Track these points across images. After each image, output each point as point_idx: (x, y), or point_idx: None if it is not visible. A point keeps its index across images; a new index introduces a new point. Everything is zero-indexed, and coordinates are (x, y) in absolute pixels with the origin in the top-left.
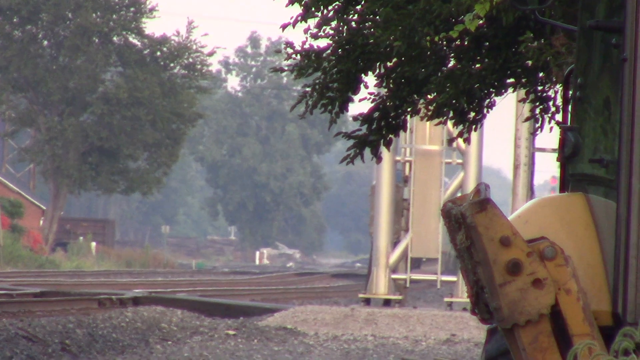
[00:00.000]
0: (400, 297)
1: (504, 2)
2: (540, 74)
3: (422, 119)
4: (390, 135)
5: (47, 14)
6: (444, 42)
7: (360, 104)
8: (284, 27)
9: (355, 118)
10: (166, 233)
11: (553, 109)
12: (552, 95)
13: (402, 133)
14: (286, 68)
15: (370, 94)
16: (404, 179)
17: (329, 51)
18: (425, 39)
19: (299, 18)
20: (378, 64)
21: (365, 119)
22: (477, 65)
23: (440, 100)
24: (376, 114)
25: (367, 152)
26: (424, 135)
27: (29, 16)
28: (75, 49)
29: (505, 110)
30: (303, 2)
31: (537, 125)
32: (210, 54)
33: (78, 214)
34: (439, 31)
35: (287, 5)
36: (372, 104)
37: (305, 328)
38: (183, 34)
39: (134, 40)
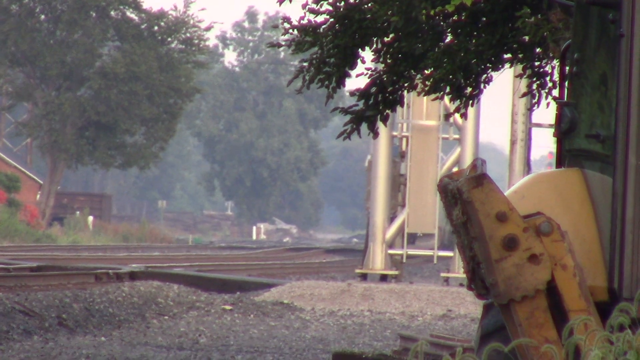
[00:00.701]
0: (396, 273)
1: None
2: (537, 50)
3: (419, 94)
4: (387, 111)
5: None
6: (441, 17)
7: (357, 79)
8: (281, 1)
9: (352, 93)
10: (163, 208)
11: (550, 84)
12: (549, 71)
13: (399, 108)
14: (283, 43)
15: (368, 69)
16: (401, 154)
17: (326, 26)
18: (421, 14)
19: None
20: (375, 39)
21: (362, 94)
22: (474, 41)
23: (437, 75)
24: (373, 89)
25: (364, 127)
26: (420, 110)
27: None
28: (73, 23)
29: (502, 86)
30: None
31: (534, 100)
32: (208, 29)
33: (75, 188)
34: (436, 6)
35: None
36: (369, 80)
37: (302, 303)
38: (180, 9)
39: (131, 14)
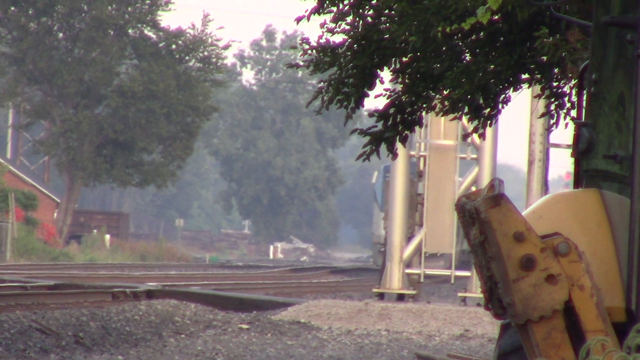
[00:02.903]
0: (414, 292)
1: None
2: (556, 70)
3: (437, 114)
4: (406, 132)
5: (62, 6)
6: (459, 37)
7: (375, 99)
8: (298, 20)
9: (371, 114)
10: (180, 226)
11: (568, 104)
12: (567, 91)
13: (417, 128)
14: (302, 63)
15: (386, 90)
16: (419, 173)
17: (344, 46)
18: (438, 31)
19: (314, 11)
20: (393, 59)
21: (381, 115)
22: (493, 61)
23: (455, 95)
24: (392, 110)
25: (383, 148)
26: (438, 130)
27: (45, 8)
28: (91, 41)
29: (520, 106)
30: None
31: (552, 121)
32: (226, 47)
33: (92, 206)
34: (452, 24)
35: None
36: (388, 100)
37: (319, 322)
38: (198, 27)
39: (149, 33)
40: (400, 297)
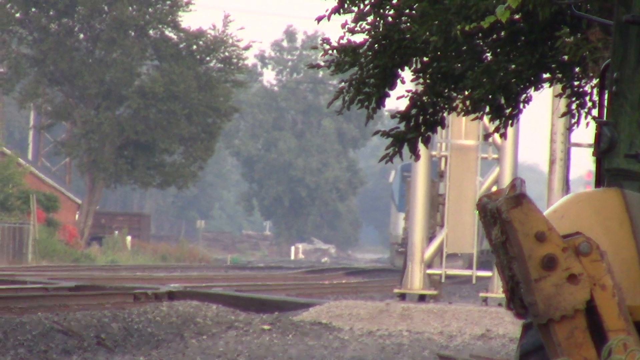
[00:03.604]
0: (435, 293)
1: None
2: (577, 69)
3: (458, 114)
4: (428, 132)
5: (83, 7)
6: (480, 36)
7: (397, 100)
8: (319, 19)
9: (393, 116)
10: (201, 227)
11: (589, 104)
12: (589, 91)
13: (438, 128)
14: (323, 64)
15: (408, 91)
16: (440, 174)
17: (365, 46)
18: (457, 30)
19: (334, 10)
20: (414, 59)
21: (403, 116)
22: (514, 61)
23: (476, 95)
24: (414, 111)
25: (406, 149)
26: (459, 130)
27: (65, 9)
28: (112, 42)
29: (542, 106)
30: None
31: (573, 120)
32: (246, 48)
33: (113, 208)
34: (471, 22)
35: None
36: (410, 101)
37: (340, 323)
38: (219, 28)
39: (170, 33)
40: (422, 298)
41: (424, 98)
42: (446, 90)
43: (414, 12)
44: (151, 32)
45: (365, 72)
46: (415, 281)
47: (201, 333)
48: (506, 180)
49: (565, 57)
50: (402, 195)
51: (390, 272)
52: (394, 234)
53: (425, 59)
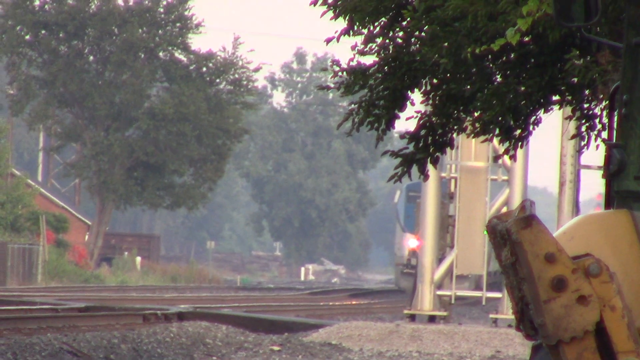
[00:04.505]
0: (445, 314)
1: (550, 20)
2: (586, 92)
3: (468, 136)
4: (437, 153)
5: (93, 29)
6: (489, 58)
7: (406, 121)
8: (328, 41)
9: (402, 136)
10: (211, 248)
11: (599, 126)
12: (598, 113)
13: (447, 149)
14: (332, 85)
15: (417, 112)
16: (450, 195)
17: (375, 68)
18: (467, 52)
19: (344, 32)
20: (424, 81)
21: (412, 137)
22: (523, 83)
23: (486, 117)
24: (423, 132)
25: (415, 169)
26: (469, 151)
27: (75, 31)
28: (121, 64)
29: (551, 127)
30: (348, 17)
31: (582, 142)
32: (256, 70)
33: (123, 229)
34: (482, 45)
35: (332, 19)
36: (419, 122)
37: (350, 344)
38: (229, 50)
39: (179, 55)
40: (432, 319)
41: (434, 119)
42: (455, 112)
43: (423, 34)
44: (161, 54)
45: (374, 94)
46: (425, 302)
47: (211, 354)
48: (516, 202)
49: (575, 80)
50: (407, 215)
51: (400, 293)
52: (399, 255)
53: (434, 80)
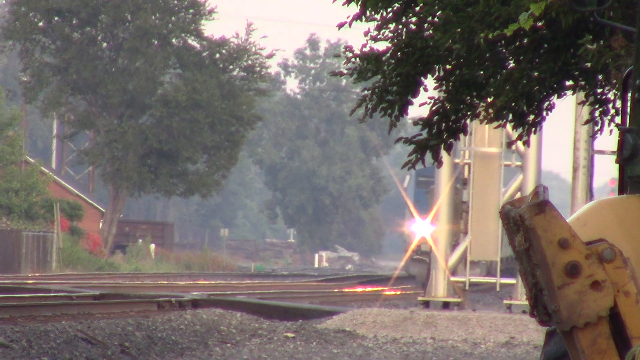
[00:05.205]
0: (459, 300)
1: (563, 5)
2: (600, 77)
3: (481, 122)
4: (450, 139)
5: (106, 16)
6: (503, 44)
7: (420, 107)
8: (340, 26)
9: (415, 123)
10: (225, 236)
11: (612, 111)
12: (612, 98)
13: (461, 135)
14: (345, 72)
15: (430, 98)
16: (463, 181)
17: (388, 54)
18: (480, 38)
19: (356, 17)
20: (437, 66)
21: (426, 123)
22: (536, 68)
23: (499, 103)
24: (436, 118)
25: (429, 156)
26: (483, 137)
27: (88, 18)
28: (135, 51)
29: (564, 113)
30: (360, 2)
31: (596, 127)
32: (269, 56)
33: (137, 216)
34: (495, 30)
35: (344, 4)
36: (432, 108)
37: (364, 331)
38: (242, 36)
39: (192, 42)
40: (446, 305)
41: (447, 105)
42: (469, 98)
43: (436, 19)
44: (174, 40)
45: (388, 79)
46: (439, 289)
47: (225, 341)
48: (529, 188)
49: (588, 65)
50: (416, 200)
51: (414, 279)
52: (408, 241)
53: (448, 66)
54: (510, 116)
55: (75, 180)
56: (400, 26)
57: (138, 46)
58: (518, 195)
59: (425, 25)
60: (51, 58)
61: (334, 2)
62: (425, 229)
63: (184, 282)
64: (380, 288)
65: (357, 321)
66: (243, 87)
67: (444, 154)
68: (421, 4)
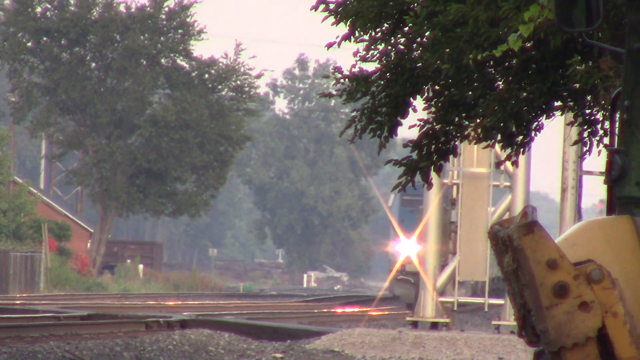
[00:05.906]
0: (447, 320)
1: (552, 26)
2: (588, 97)
3: (470, 142)
4: (440, 161)
5: (95, 36)
6: (492, 64)
7: (409, 129)
8: (329, 46)
9: (405, 145)
10: (214, 256)
11: (601, 132)
12: (600, 119)
13: (450, 156)
14: (335, 92)
15: (420, 120)
16: (452, 201)
17: (377, 75)
18: (469, 59)
19: (345, 37)
20: (426, 87)
21: (415, 145)
22: (525, 88)
23: (488, 123)
24: (425, 140)
25: (418, 177)
26: (471, 158)
27: (77, 38)
28: (123, 71)
29: (553, 133)
30: (350, 22)
31: (585, 148)
32: (258, 77)
33: (126, 236)
34: (484, 51)
35: (333, 24)
36: (422, 130)
37: (353, 351)
38: (231, 57)
39: (181, 62)
40: (434, 326)
41: (436, 126)
42: (457, 119)
43: (425, 40)
44: (163, 60)
45: (377, 100)
46: (428, 309)
47: None
48: (518, 208)
49: (577, 85)
50: (401, 219)
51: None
52: (393, 260)
53: (436, 87)
54: (499, 136)
55: (64, 201)
56: (389, 46)
57: (127, 66)
58: (507, 215)
59: (414, 45)
60: (40, 78)
61: (322, 21)
62: (410, 248)
63: (173, 302)
64: (367, 308)
65: (345, 341)
66: (232, 107)
67: (433, 175)
68: (410, 25)
